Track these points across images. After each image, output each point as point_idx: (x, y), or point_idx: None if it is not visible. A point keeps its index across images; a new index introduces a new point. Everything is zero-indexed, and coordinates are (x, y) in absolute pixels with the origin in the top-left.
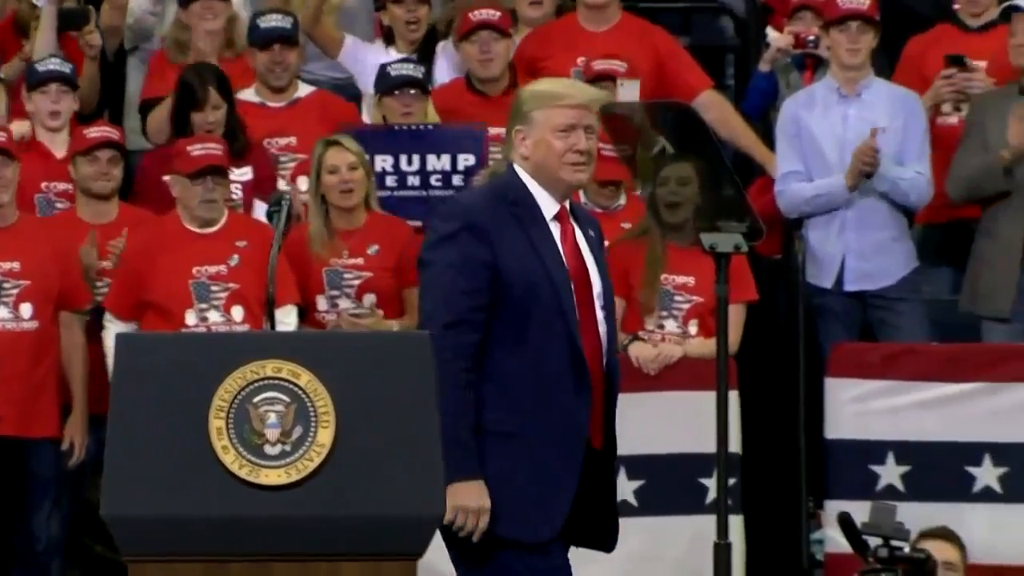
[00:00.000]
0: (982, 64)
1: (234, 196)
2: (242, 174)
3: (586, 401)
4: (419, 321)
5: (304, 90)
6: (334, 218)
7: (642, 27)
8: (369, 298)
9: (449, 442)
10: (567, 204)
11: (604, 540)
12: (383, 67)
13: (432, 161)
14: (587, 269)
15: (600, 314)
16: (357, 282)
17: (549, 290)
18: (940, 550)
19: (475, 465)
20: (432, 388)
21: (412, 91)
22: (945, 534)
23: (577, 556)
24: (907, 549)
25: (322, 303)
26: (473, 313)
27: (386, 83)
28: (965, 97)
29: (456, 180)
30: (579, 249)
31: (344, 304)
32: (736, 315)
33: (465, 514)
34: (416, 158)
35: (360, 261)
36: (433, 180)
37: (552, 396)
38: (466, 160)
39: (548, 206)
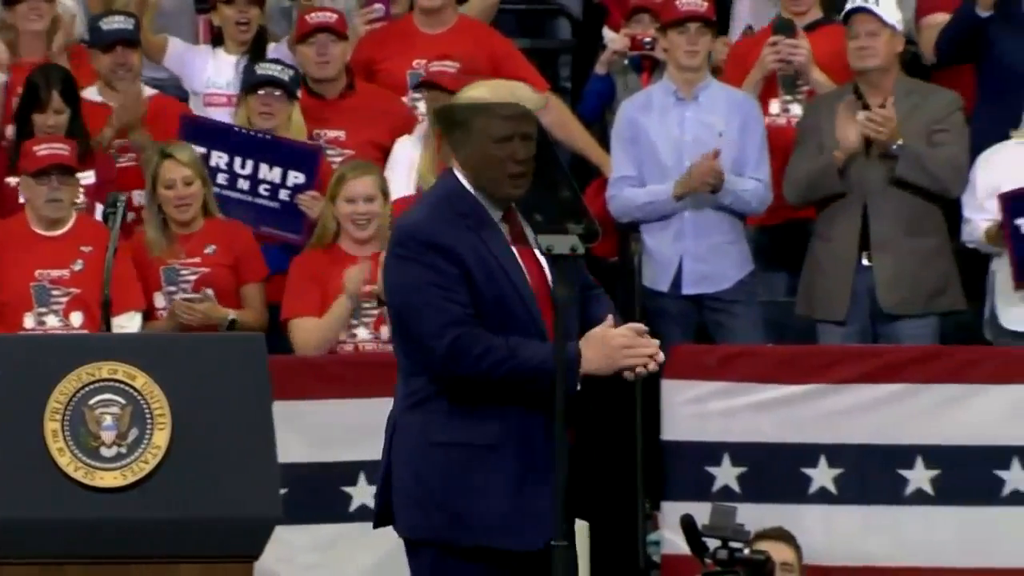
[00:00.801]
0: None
1: (77, 199)
2: (85, 177)
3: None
4: (416, 345)
5: (145, 92)
6: (172, 225)
7: (478, 29)
8: (207, 291)
9: (544, 370)
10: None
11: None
12: (249, 65)
13: (264, 170)
14: (541, 266)
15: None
16: (193, 277)
17: (519, 302)
18: (776, 551)
19: (569, 348)
20: (267, 389)
21: (277, 92)
22: (781, 535)
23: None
24: (747, 551)
25: (160, 300)
26: (466, 314)
27: (250, 81)
28: (789, 67)
29: (283, 194)
30: (530, 247)
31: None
32: None
33: (624, 357)
34: (250, 163)
35: (197, 260)
36: (262, 189)
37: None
38: (296, 178)
39: (495, 209)
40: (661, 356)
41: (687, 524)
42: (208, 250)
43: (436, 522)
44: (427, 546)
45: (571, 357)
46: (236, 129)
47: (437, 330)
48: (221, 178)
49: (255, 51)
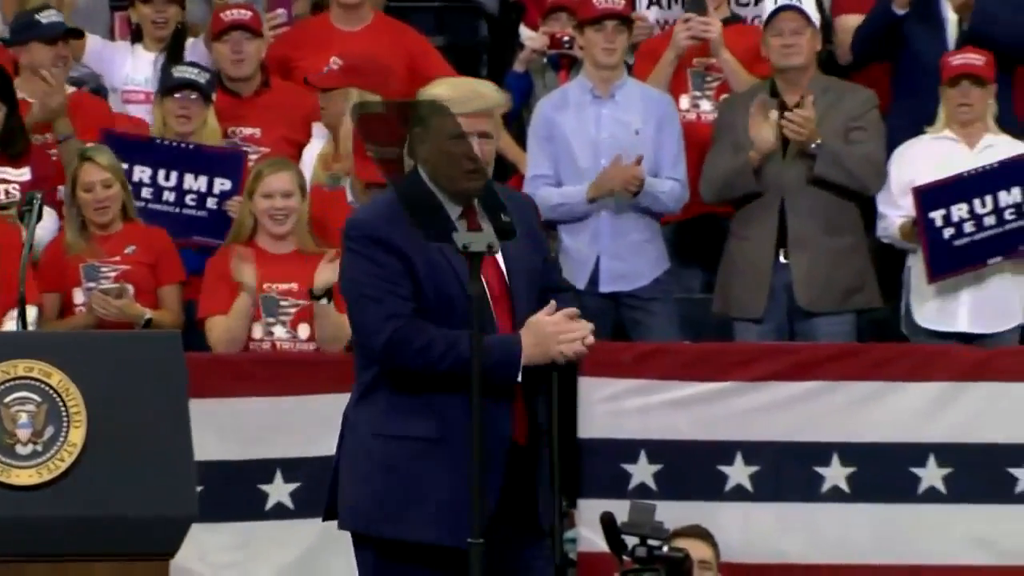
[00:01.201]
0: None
1: (11, 196)
2: (20, 175)
3: (507, 405)
4: (360, 338)
5: (67, 90)
6: (91, 227)
7: (394, 27)
8: (125, 286)
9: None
10: (476, 202)
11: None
12: (166, 66)
13: (189, 180)
14: (499, 266)
15: (518, 306)
16: (113, 274)
17: (463, 300)
18: (694, 548)
19: (505, 340)
20: (184, 387)
21: (193, 95)
22: (698, 532)
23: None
24: (665, 548)
25: (79, 296)
26: (408, 308)
27: (167, 84)
28: (701, 43)
29: (210, 203)
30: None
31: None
32: None
33: (556, 343)
34: (174, 174)
35: (117, 258)
36: (188, 199)
37: (467, 400)
38: (222, 185)
39: (453, 207)
40: (591, 338)
41: (607, 522)
42: (128, 250)
43: (375, 516)
44: (369, 540)
45: (512, 348)
46: (158, 141)
47: (377, 324)
48: (146, 192)
49: (173, 48)
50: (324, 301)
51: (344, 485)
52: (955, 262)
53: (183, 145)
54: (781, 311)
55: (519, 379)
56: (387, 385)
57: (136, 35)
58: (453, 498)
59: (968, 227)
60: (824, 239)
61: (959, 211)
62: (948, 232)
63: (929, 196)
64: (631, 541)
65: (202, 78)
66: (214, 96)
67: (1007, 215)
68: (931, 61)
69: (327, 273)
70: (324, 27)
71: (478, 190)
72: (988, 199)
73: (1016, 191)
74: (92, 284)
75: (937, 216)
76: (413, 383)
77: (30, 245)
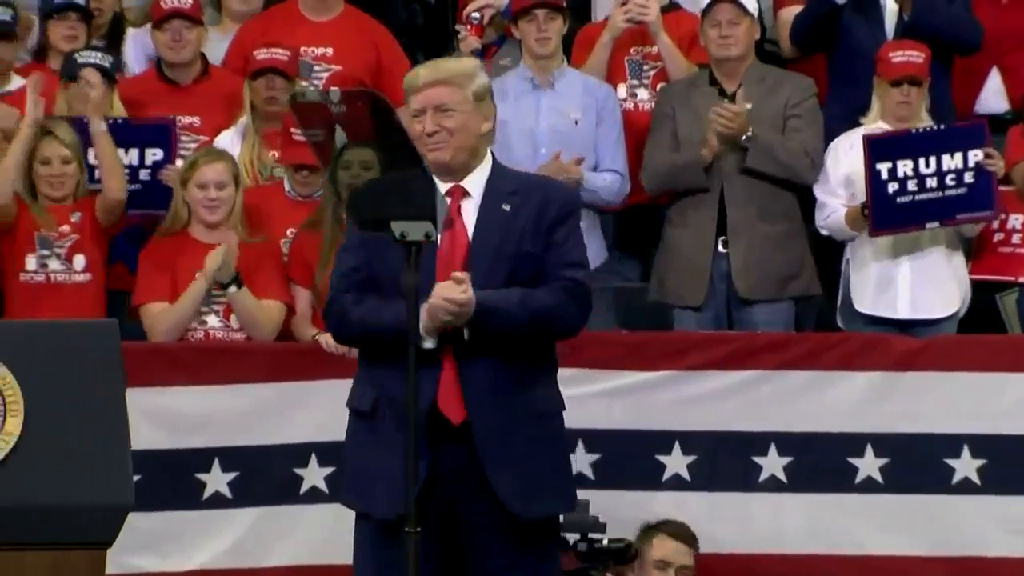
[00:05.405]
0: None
1: None
2: None
3: (431, 378)
4: None
5: (15, 83)
6: (40, 198)
7: (363, 21)
8: (79, 260)
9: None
10: (468, 183)
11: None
12: (70, 54)
13: (120, 154)
14: (468, 244)
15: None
16: (68, 243)
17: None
18: (677, 554)
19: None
20: (121, 375)
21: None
22: (683, 535)
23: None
24: (605, 541)
25: (31, 263)
26: (347, 279)
27: (72, 69)
28: (638, 25)
29: (143, 175)
30: (464, 227)
31: (54, 265)
32: None
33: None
34: None
35: (67, 228)
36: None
37: (401, 372)
38: (154, 155)
39: (441, 184)
40: (456, 295)
41: None
42: (74, 217)
43: (347, 489)
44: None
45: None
46: (85, 120)
47: (329, 293)
48: None
49: (112, 35)
50: (233, 289)
51: None
52: (897, 220)
53: (110, 120)
54: (720, 299)
55: (425, 345)
56: (359, 357)
57: None
58: (387, 472)
59: (911, 185)
60: (762, 227)
61: (904, 167)
62: (892, 187)
63: (878, 145)
64: (571, 537)
65: (106, 61)
66: (117, 77)
67: (948, 180)
68: (868, 49)
69: (215, 260)
70: (292, 15)
71: (441, 164)
72: (932, 160)
73: (959, 156)
74: (46, 252)
75: (883, 168)
76: (365, 354)
77: None
